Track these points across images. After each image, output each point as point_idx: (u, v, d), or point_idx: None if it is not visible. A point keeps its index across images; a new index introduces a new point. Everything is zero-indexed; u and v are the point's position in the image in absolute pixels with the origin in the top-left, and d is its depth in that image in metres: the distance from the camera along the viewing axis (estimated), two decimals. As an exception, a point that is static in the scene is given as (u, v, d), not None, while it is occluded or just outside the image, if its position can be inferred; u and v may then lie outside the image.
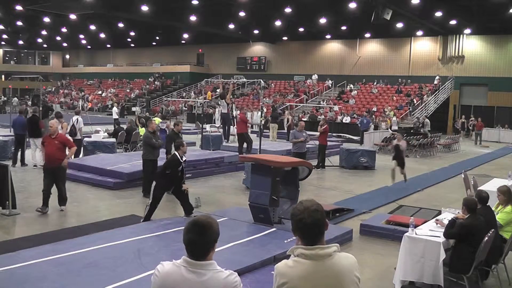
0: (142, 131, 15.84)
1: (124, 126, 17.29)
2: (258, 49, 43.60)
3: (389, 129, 24.53)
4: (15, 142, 13.85)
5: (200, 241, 2.38)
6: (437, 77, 33.30)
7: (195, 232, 2.39)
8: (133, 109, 37.35)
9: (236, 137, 16.38)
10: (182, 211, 8.16)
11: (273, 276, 2.42)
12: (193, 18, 32.12)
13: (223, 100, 16.72)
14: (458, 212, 6.41)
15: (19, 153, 13.70)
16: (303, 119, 27.83)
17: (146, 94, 45.02)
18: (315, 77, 38.47)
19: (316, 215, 2.35)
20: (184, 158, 7.97)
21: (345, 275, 2.36)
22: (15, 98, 37.47)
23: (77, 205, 9.54)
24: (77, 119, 13.94)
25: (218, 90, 38.42)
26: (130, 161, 12.03)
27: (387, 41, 36.80)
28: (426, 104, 31.30)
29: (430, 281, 5.50)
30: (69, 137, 13.88)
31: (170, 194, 8.35)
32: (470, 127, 29.64)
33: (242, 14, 30.35)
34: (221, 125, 22.30)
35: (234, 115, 26.20)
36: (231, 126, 23.41)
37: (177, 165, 7.78)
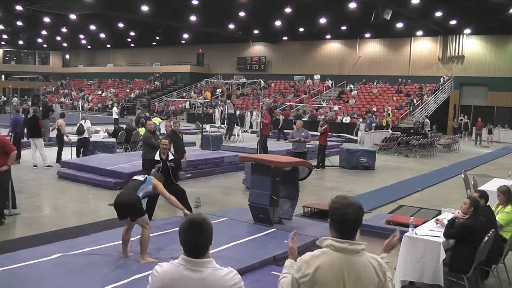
0: (142, 131, 15.85)
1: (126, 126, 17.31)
2: (258, 49, 43.60)
3: (389, 129, 24.55)
4: (13, 141, 13.90)
5: (199, 239, 2.40)
6: (444, 77, 33.27)
7: (193, 231, 2.40)
8: (138, 111, 37.38)
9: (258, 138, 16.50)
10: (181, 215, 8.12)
11: (295, 266, 2.50)
12: (193, 18, 32.11)
13: (229, 101, 16.79)
14: (458, 212, 6.41)
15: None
16: (303, 119, 27.84)
17: (146, 94, 45.02)
18: (317, 77, 38.47)
19: (359, 213, 2.46)
20: (165, 157, 7.87)
21: (368, 273, 2.41)
22: (15, 98, 37.46)
23: (77, 205, 9.55)
24: (85, 120, 14.20)
25: (218, 91, 38.58)
26: (130, 161, 12.02)
27: (387, 41, 36.80)
28: (426, 104, 31.31)
29: (430, 281, 5.49)
30: (75, 136, 14.13)
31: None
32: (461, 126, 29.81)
33: (242, 14, 30.34)
34: (226, 125, 22.29)
35: (236, 115, 26.27)
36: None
37: (154, 163, 7.78)
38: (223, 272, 2.41)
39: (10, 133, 13.99)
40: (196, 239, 2.40)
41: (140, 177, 6.10)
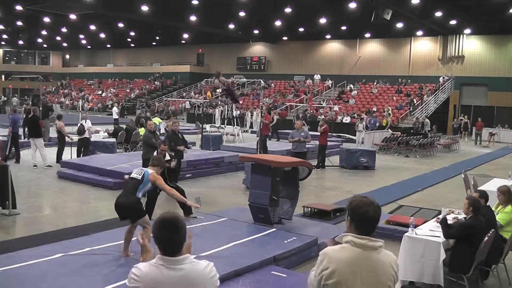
0: (142, 131, 15.85)
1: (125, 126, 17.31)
2: (258, 49, 43.60)
3: (389, 129, 24.54)
4: (11, 141, 13.93)
5: (174, 239, 2.42)
6: (443, 76, 33.28)
7: (168, 230, 2.41)
8: (138, 111, 37.40)
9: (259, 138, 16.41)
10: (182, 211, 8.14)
11: (318, 259, 2.61)
12: (193, 18, 32.12)
13: (218, 81, 16.24)
14: (458, 212, 6.41)
15: (13, 151, 13.96)
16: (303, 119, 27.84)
17: (146, 94, 45.03)
18: (317, 77, 38.47)
19: (378, 211, 2.61)
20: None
21: (384, 270, 2.57)
22: (15, 98, 37.49)
23: (77, 205, 9.55)
24: (85, 119, 14.21)
25: (218, 90, 38.57)
26: (130, 161, 12.02)
27: (387, 41, 36.80)
28: (426, 104, 31.31)
29: (430, 281, 5.50)
30: (76, 136, 14.16)
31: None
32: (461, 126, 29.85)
33: (242, 14, 30.35)
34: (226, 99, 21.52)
35: (235, 115, 26.30)
36: (232, 126, 23.46)
37: None
38: (202, 266, 2.46)
39: (10, 133, 13.99)
40: (171, 238, 2.41)
41: (138, 175, 5.95)
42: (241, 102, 36.08)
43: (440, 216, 6.36)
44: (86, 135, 14.01)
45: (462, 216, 6.06)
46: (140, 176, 5.89)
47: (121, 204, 5.83)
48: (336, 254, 2.56)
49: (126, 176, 6.63)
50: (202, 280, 2.42)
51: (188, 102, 37.64)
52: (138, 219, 5.77)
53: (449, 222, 5.97)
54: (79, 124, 14.06)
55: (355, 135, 24.26)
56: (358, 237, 2.56)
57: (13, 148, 14.53)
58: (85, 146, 14.06)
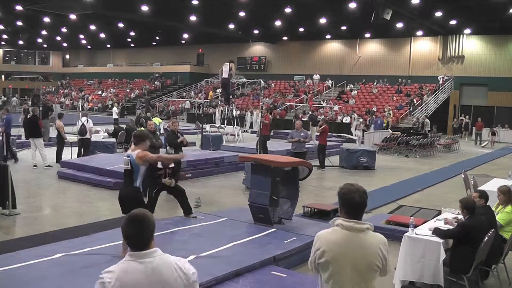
0: (141, 130, 15.81)
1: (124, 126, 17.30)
2: (258, 49, 43.60)
3: (389, 129, 24.53)
4: (6, 140, 13.93)
5: (140, 235, 2.48)
6: (441, 76, 33.29)
7: (136, 226, 2.48)
8: (138, 111, 37.37)
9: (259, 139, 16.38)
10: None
11: (314, 241, 2.97)
12: (193, 18, 32.13)
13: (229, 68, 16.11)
14: (458, 213, 6.41)
15: (14, 150, 14.02)
16: (303, 119, 27.83)
17: (146, 94, 45.03)
18: (317, 76, 38.48)
19: (365, 196, 2.90)
20: None
21: (371, 249, 2.84)
22: (14, 98, 37.51)
23: (77, 205, 9.55)
24: (87, 119, 14.08)
25: (218, 90, 38.55)
26: (130, 161, 12.00)
27: (387, 41, 36.80)
28: (426, 104, 31.31)
29: (430, 281, 5.49)
30: (75, 136, 14.13)
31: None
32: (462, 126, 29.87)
33: (242, 14, 30.36)
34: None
35: (235, 115, 26.28)
36: (232, 126, 23.44)
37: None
38: (172, 258, 2.56)
39: (2, 133, 13.94)
40: (138, 235, 2.47)
41: (126, 165, 5.85)
42: (240, 102, 36.14)
43: (442, 217, 6.37)
44: (87, 135, 14.00)
45: (461, 216, 6.06)
46: (129, 165, 5.83)
47: (121, 196, 5.93)
48: (327, 236, 2.91)
49: None
50: (173, 269, 2.48)
51: (188, 101, 37.63)
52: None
53: (449, 216, 5.97)
54: (80, 125, 14.01)
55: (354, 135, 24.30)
56: (346, 220, 2.86)
57: (13, 148, 14.54)
58: (86, 146, 14.05)
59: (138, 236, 2.48)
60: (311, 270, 3.03)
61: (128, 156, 5.91)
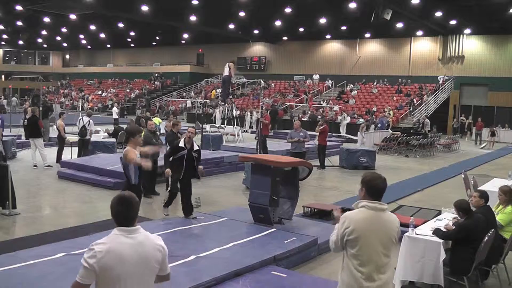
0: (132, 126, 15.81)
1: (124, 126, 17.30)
2: (258, 49, 43.60)
3: (389, 129, 24.54)
4: None
5: (127, 214, 2.84)
6: (441, 76, 33.29)
7: (123, 206, 2.85)
8: (138, 111, 37.33)
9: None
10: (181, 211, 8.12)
11: (340, 221, 3.43)
12: (193, 18, 32.12)
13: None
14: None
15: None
16: (303, 119, 27.86)
17: (146, 94, 45.03)
18: (316, 77, 38.48)
19: (386, 182, 3.47)
20: (189, 146, 7.78)
21: (390, 224, 3.46)
22: (14, 98, 37.44)
23: (77, 205, 9.55)
24: (89, 120, 14.07)
25: (218, 91, 38.56)
26: (130, 161, 12.00)
27: (387, 41, 36.80)
28: (426, 104, 31.31)
29: (430, 281, 5.49)
30: (75, 136, 14.10)
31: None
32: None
33: (242, 14, 30.35)
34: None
35: (235, 115, 26.30)
36: (232, 126, 23.45)
37: (179, 150, 7.73)
38: (152, 236, 2.90)
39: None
40: (126, 214, 2.84)
41: (121, 164, 6.01)
42: (240, 102, 36.15)
43: (441, 217, 6.36)
44: (88, 136, 13.99)
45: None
46: (121, 164, 6.04)
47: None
48: (355, 216, 3.39)
49: None
50: (154, 245, 2.84)
51: (189, 101, 37.59)
52: None
53: (450, 222, 5.97)
54: (81, 125, 13.99)
55: (354, 135, 24.25)
56: (371, 202, 3.38)
57: (13, 147, 14.54)
58: (85, 147, 14.03)
59: (127, 214, 2.84)
60: (334, 249, 3.50)
61: (121, 157, 6.10)
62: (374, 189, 3.43)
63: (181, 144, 7.69)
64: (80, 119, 14.21)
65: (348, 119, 29.20)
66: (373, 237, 3.34)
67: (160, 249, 2.86)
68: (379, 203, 3.40)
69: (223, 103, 21.06)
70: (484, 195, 6.06)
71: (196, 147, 7.87)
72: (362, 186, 3.47)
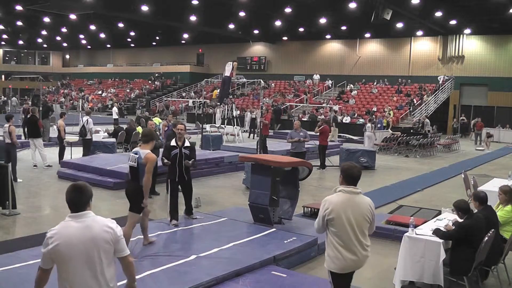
0: (139, 129, 15.82)
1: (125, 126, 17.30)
2: (258, 49, 43.59)
3: (389, 129, 24.53)
4: None
5: (80, 199, 3.13)
6: (441, 77, 33.28)
7: (76, 192, 3.15)
8: (138, 111, 37.21)
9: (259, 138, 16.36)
10: (182, 212, 8.11)
11: (321, 204, 4.17)
12: (193, 18, 32.11)
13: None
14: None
15: None
16: (303, 119, 27.87)
17: (146, 94, 45.03)
18: (317, 77, 38.48)
19: (361, 171, 4.19)
20: (181, 143, 7.65)
21: (364, 205, 4.10)
22: (14, 98, 37.44)
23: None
24: (87, 119, 13.98)
25: (217, 90, 38.51)
26: (130, 161, 12.00)
27: (387, 41, 36.79)
28: (426, 104, 31.30)
29: (430, 281, 5.49)
30: (75, 137, 14.06)
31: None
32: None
33: (242, 14, 30.34)
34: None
35: (235, 115, 26.30)
36: (232, 126, 23.44)
37: (171, 149, 7.66)
38: (102, 218, 3.16)
39: None
40: (77, 200, 3.13)
41: (133, 162, 6.02)
42: (240, 102, 36.14)
43: (441, 217, 6.35)
44: (88, 136, 13.97)
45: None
46: (136, 163, 6.03)
47: (127, 192, 6.25)
48: (333, 199, 4.07)
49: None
50: (102, 226, 3.10)
51: (191, 101, 37.53)
52: (132, 210, 6.06)
53: (449, 222, 5.97)
54: (80, 126, 13.96)
55: (354, 135, 24.24)
56: (347, 187, 4.07)
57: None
58: (86, 147, 14.02)
59: (77, 201, 3.13)
60: (317, 229, 4.17)
61: (136, 154, 6.06)
62: (350, 176, 4.08)
63: (173, 143, 7.66)
64: (81, 119, 14.19)
65: (348, 119, 29.20)
66: (348, 215, 3.97)
67: (107, 230, 3.10)
68: (354, 188, 4.07)
69: (219, 103, 21.03)
70: (477, 197, 6.00)
71: (187, 144, 7.73)
72: (340, 174, 4.15)
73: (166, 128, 14.23)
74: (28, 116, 14.43)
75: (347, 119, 29.36)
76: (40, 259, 3.09)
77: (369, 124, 21.21)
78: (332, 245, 4.01)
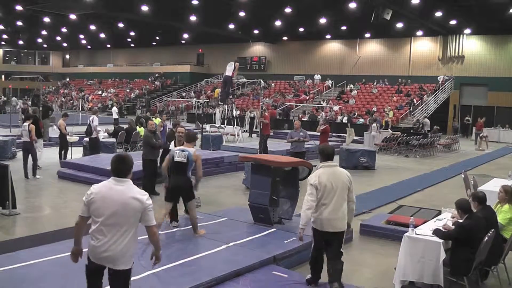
0: (141, 130, 15.82)
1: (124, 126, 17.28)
2: (258, 49, 43.60)
3: (389, 129, 24.51)
4: None
5: (122, 167, 3.75)
6: (441, 77, 33.28)
7: (119, 161, 3.76)
8: (138, 111, 37.21)
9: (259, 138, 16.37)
10: (182, 212, 8.09)
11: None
12: (193, 18, 32.11)
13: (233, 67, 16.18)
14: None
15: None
16: (303, 119, 27.85)
17: (146, 94, 45.03)
18: (318, 77, 38.48)
19: (333, 148, 5.56)
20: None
21: (341, 174, 5.28)
22: (14, 98, 37.39)
23: (77, 205, 9.54)
24: (93, 118, 13.99)
25: (219, 89, 38.50)
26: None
27: (387, 41, 36.80)
28: (426, 104, 31.30)
29: (430, 281, 5.49)
30: (77, 136, 14.02)
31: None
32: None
33: (242, 14, 30.33)
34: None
35: (235, 115, 26.29)
36: (232, 126, 23.43)
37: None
38: (137, 188, 3.72)
39: None
40: (120, 167, 3.74)
41: (183, 158, 6.66)
42: (240, 102, 36.13)
43: (441, 217, 6.34)
44: (94, 135, 13.95)
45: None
46: (185, 159, 6.73)
47: (179, 185, 6.81)
48: (319, 172, 5.18)
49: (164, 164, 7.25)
50: (133, 194, 3.67)
51: (194, 100, 37.52)
52: (191, 199, 6.86)
53: (448, 222, 5.97)
54: (87, 126, 13.96)
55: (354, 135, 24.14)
56: (326, 163, 5.27)
57: (13, 147, 14.51)
58: (92, 146, 13.98)
59: (120, 168, 3.73)
60: (309, 200, 5.05)
61: (184, 151, 6.80)
62: (326, 154, 5.30)
63: (171, 147, 7.69)
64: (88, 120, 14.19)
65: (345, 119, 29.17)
66: (331, 184, 5.11)
67: (136, 199, 3.65)
68: (331, 162, 5.29)
69: (221, 103, 21.01)
70: (475, 198, 6.00)
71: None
72: (319, 154, 5.36)
73: (162, 128, 14.25)
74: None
75: (347, 119, 29.33)
76: (81, 208, 3.77)
77: (374, 124, 21.33)
78: (319, 211, 5.09)
